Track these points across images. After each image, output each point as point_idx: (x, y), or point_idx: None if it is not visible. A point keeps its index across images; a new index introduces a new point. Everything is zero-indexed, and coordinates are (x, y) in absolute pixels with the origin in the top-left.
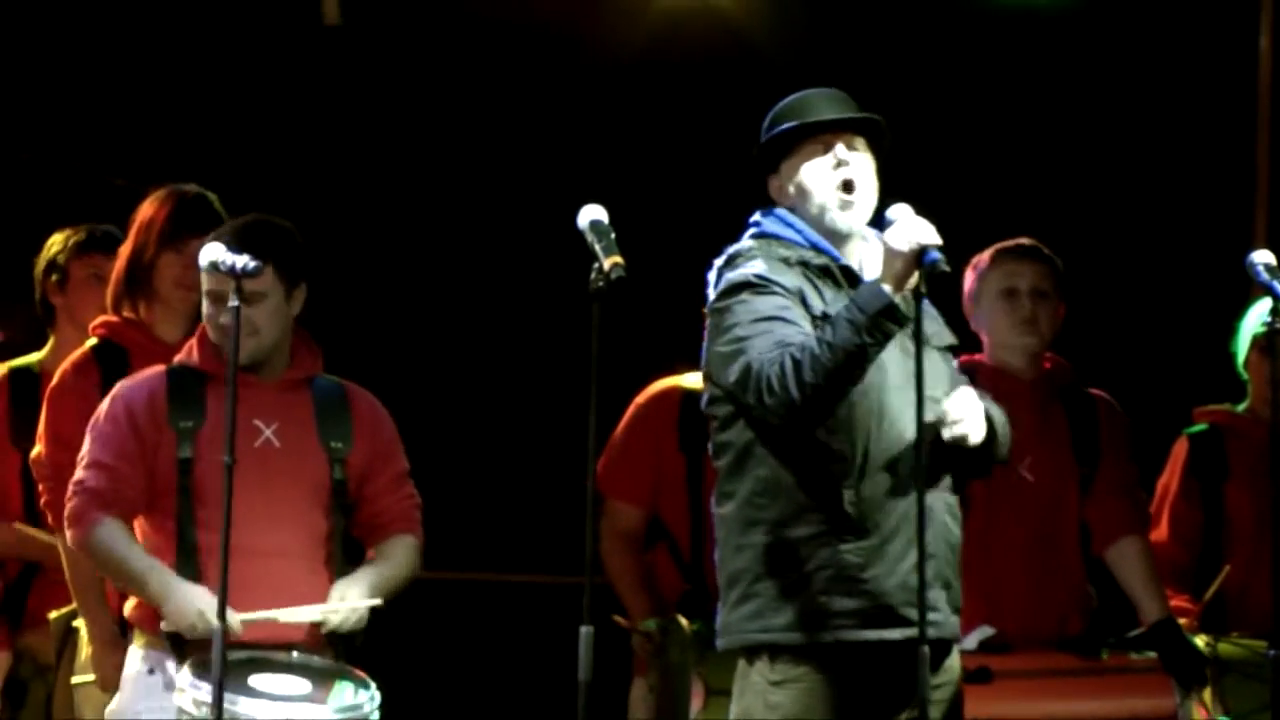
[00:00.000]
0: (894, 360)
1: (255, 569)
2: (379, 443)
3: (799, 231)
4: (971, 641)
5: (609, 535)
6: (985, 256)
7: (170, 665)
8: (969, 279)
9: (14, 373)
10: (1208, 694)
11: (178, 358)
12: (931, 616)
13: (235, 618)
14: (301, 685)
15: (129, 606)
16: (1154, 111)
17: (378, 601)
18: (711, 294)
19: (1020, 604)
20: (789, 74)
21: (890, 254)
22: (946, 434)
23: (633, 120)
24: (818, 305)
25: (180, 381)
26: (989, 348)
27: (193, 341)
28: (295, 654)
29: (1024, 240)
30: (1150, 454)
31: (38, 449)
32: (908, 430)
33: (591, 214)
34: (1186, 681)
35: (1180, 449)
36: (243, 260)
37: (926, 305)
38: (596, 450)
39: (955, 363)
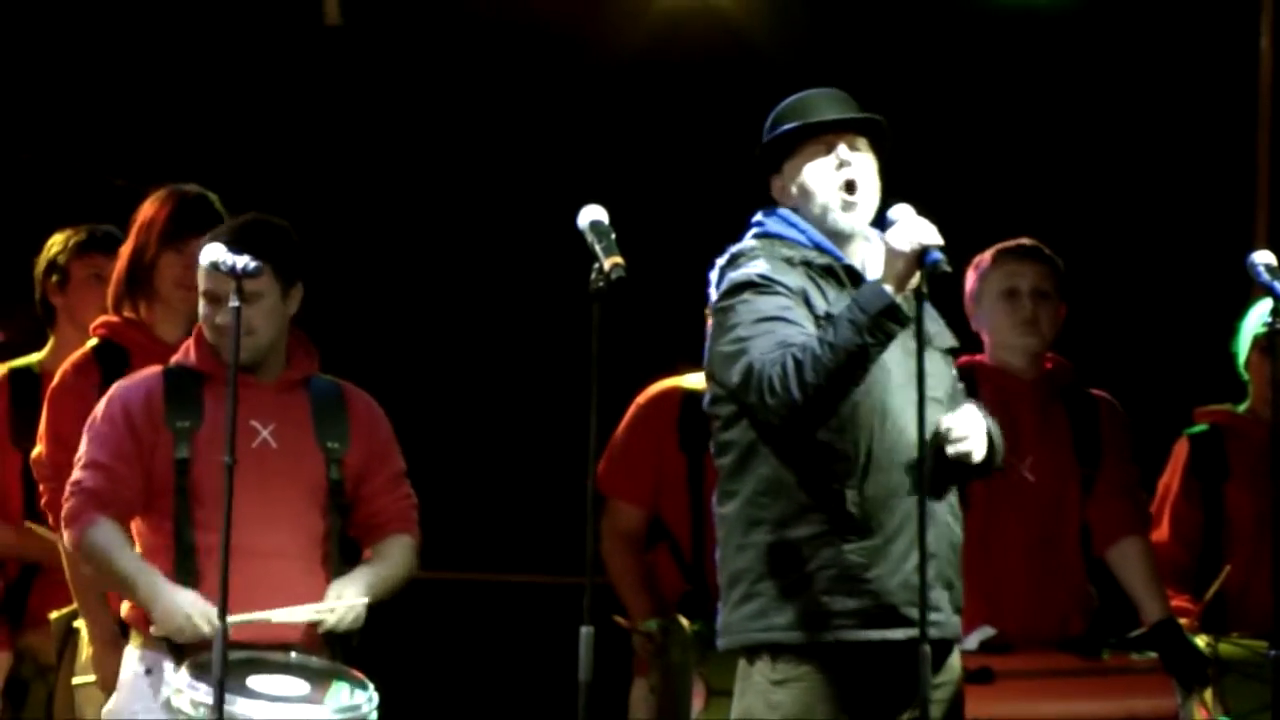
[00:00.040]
0: (897, 360)
1: (253, 570)
2: (375, 443)
3: (802, 231)
4: (973, 642)
5: (610, 535)
6: (986, 257)
7: (168, 665)
8: (970, 279)
9: (14, 373)
10: (1209, 694)
11: (174, 358)
12: (933, 617)
13: (235, 619)
14: (299, 686)
15: (125, 607)
16: (1154, 112)
17: (366, 600)
18: (714, 293)
19: (1021, 604)
20: (789, 74)
21: (892, 254)
22: (950, 450)
23: (633, 120)
24: (821, 305)
25: (177, 382)
26: (990, 348)
27: (189, 342)
28: (293, 654)
29: (1025, 240)
30: (1151, 454)
31: (38, 449)
32: (910, 430)
33: (592, 214)
34: (1188, 682)
35: (1181, 449)
36: (243, 260)
37: (928, 307)
38: (597, 450)
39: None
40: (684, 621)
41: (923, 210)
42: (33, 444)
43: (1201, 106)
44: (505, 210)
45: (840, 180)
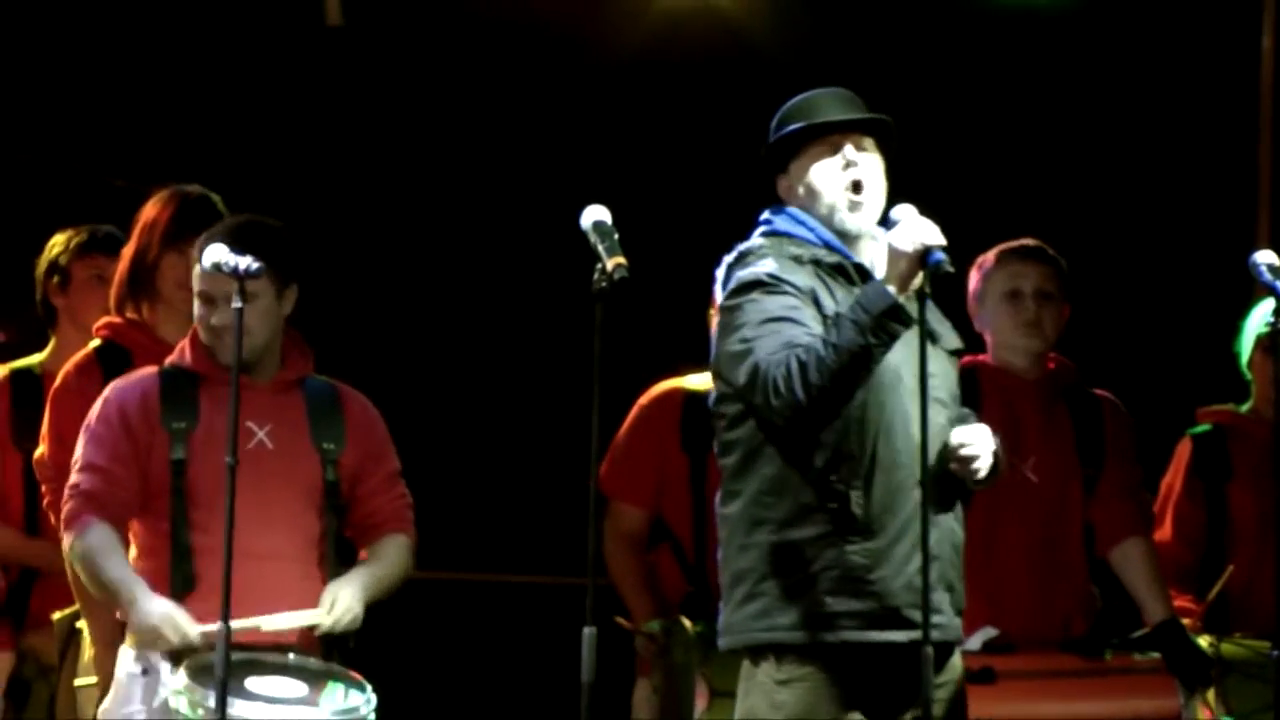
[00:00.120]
0: (903, 361)
1: (249, 571)
2: (371, 443)
3: (811, 229)
4: (975, 642)
5: (612, 536)
6: (990, 257)
7: (164, 666)
8: (973, 279)
9: (15, 374)
10: (1211, 695)
11: (169, 359)
12: (934, 619)
13: (209, 628)
14: (297, 688)
15: None
16: (1156, 112)
17: (362, 602)
18: (721, 291)
19: (1024, 604)
20: (790, 74)
21: (894, 254)
22: (955, 467)
23: (634, 120)
24: (830, 305)
25: (173, 382)
26: (993, 348)
27: (185, 342)
28: (291, 656)
29: (1028, 241)
30: (1154, 454)
31: (40, 450)
32: (915, 432)
33: (595, 214)
34: (1190, 682)
35: (1184, 449)
36: (245, 261)
37: (932, 308)
38: (599, 451)
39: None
40: (686, 622)
41: (925, 210)
42: (34, 445)
43: (1203, 106)
44: (507, 210)
45: (847, 180)
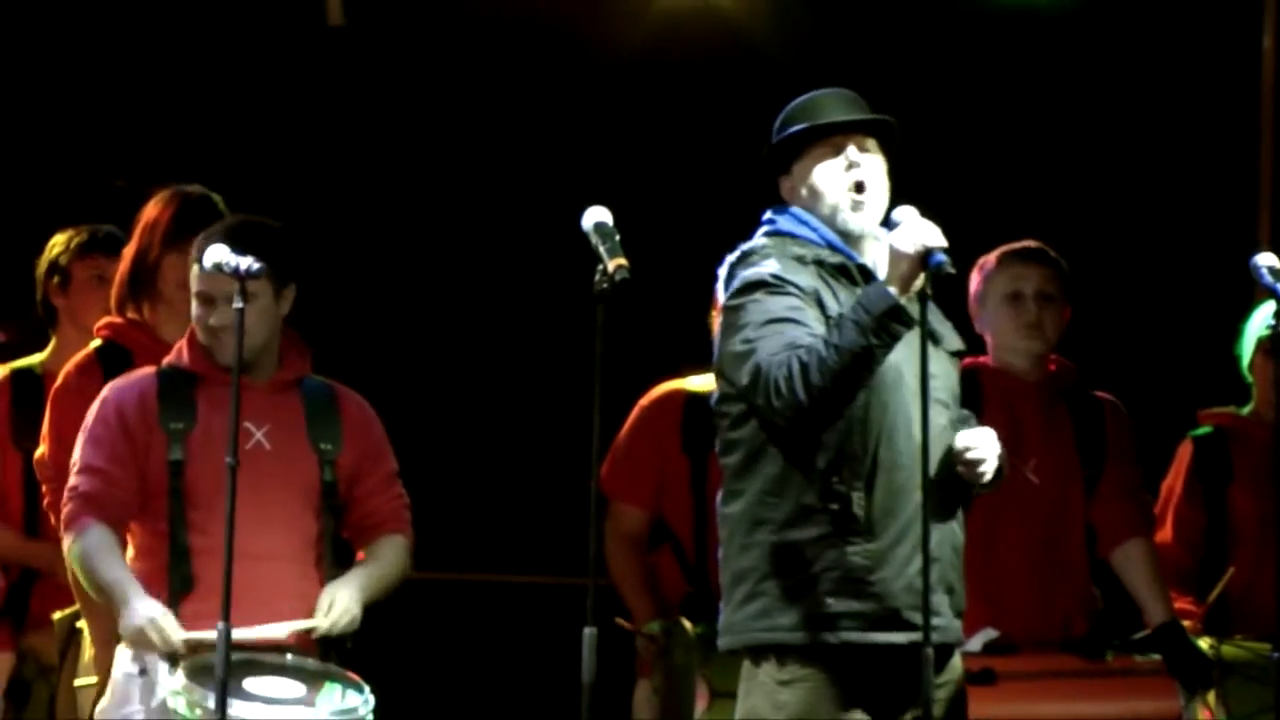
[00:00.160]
0: (905, 362)
1: (247, 572)
2: (368, 444)
3: (814, 230)
4: (976, 643)
5: (613, 537)
6: (991, 259)
7: (162, 666)
8: (974, 281)
9: (15, 374)
10: (1212, 696)
11: (167, 359)
12: (934, 621)
13: (193, 635)
14: (295, 688)
15: None
16: (1157, 113)
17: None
18: (723, 290)
19: (1025, 606)
20: (790, 74)
21: (895, 256)
22: (962, 470)
23: (635, 121)
24: (833, 306)
25: (170, 383)
26: (993, 350)
27: (182, 343)
28: (289, 657)
29: (1029, 243)
30: (1155, 456)
31: (41, 450)
32: (917, 433)
33: (596, 215)
34: (1191, 684)
35: (1185, 451)
36: (247, 262)
37: (933, 309)
38: (600, 452)
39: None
40: (686, 623)
41: (926, 211)
42: (34, 445)
43: (1204, 107)
44: (508, 211)
45: (850, 181)
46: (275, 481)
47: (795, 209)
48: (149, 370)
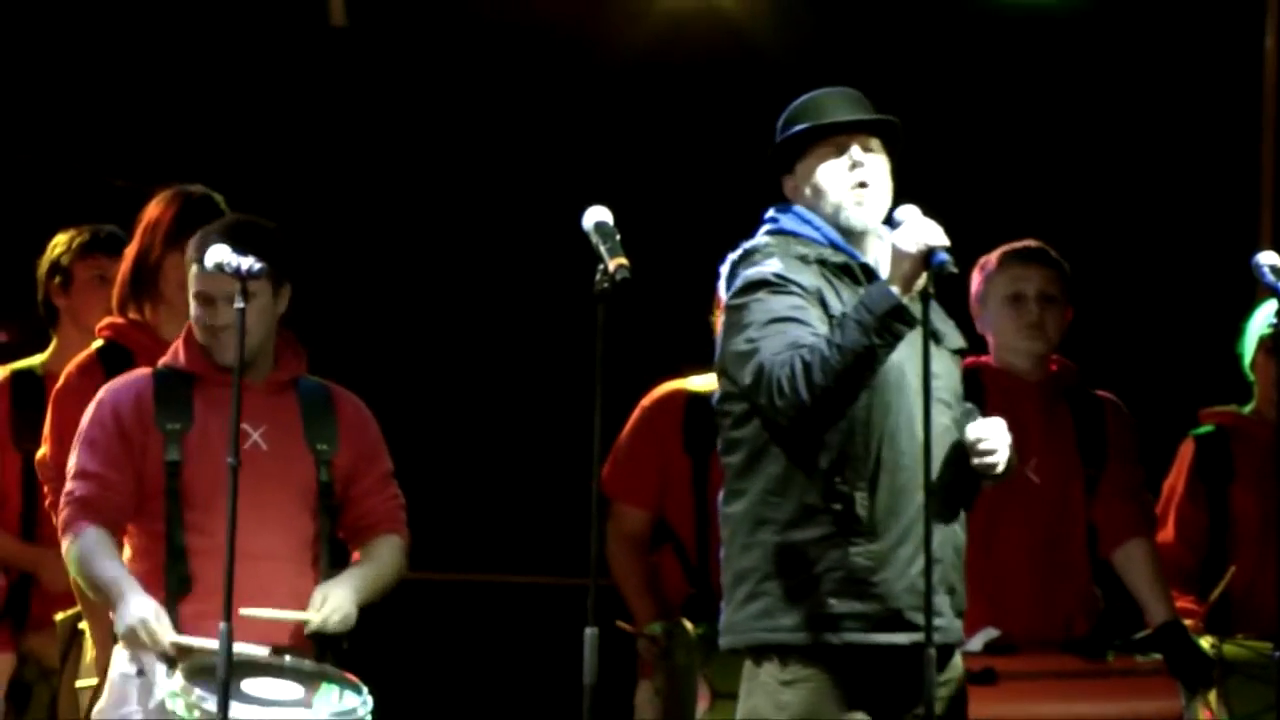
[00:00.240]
0: (908, 362)
1: (244, 572)
2: (364, 444)
3: (817, 229)
4: (977, 643)
5: (614, 538)
6: (992, 259)
7: (160, 668)
8: (976, 280)
9: (16, 375)
10: (1213, 696)
11: (163, 360)
12: (935, 621)
13: (183, 639)
14: (293, 689)
15: None
16: (1159, 113)
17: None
18: (726, 289)
19: (1026, 605)
20: (792, 75)
21: (898, 255)
22: (976, 461)
23: (636, 121)
24: (836, 305)
25: (167, 383)
26: (995, 350)
27: (178, 343)
28: (287, 658)
29: (1031, 243)
30: (1156, 456)
31: (43, 450)
32: (920, 433)
33: (596, 215)
34: (1192, 684)
35: (1186, 451)
36: (248, 262)
37: (935, 308)
38: (602, 453)
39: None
40: (688, 624)
41: (929, 211)
42: (34, 446)
43: (1206, 108)
44: (509, 211)
45: (853, 181)
46: (272, 482)
47: (798, 208)
48: (145, 371)
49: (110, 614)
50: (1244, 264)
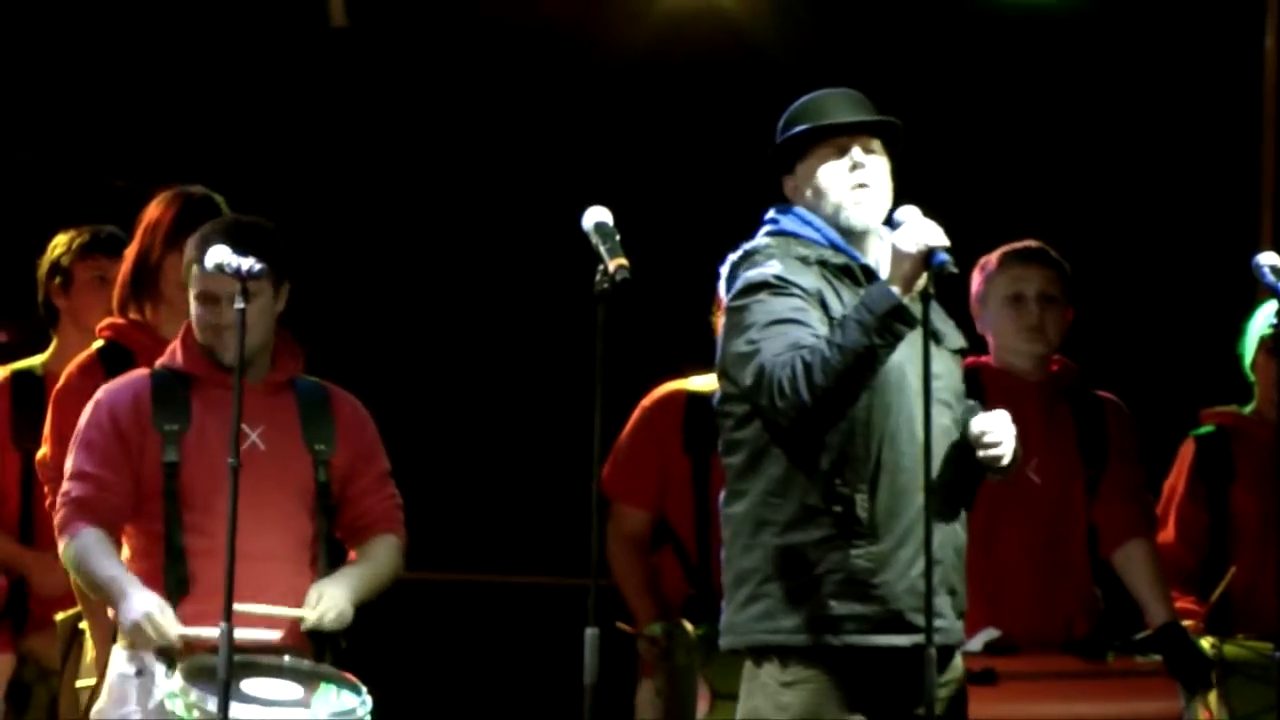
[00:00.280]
0: (909, 362)
1: (243, 572)
2: (361, 444)
3: (818, 230)
4: (977, 643)
5: (615, 539)
6: (993, 259)
7: (158, 668)
8: (976, 281)
9: (16, 375)
10: (1213, 697)
11: (160, 360)
12: (936, 622)
13: (189, 631)
14: (292, 690)
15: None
16: (1159, 113)
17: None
18: (726, 290)
19: (1026, 606)
20: (793, 75)
21: (898, 255)
22: (982, 454)
23: (637, 121)
24: (836, 306)
25: (165, 384)
26: (995, 350)
27: (176, 344)
28: (286, 658)
29: (1031, 243)
30: (1157, 456)
31: (43, 450)
32: (920, 434)
33: (596, 216)
34: (1192, 685)
35: (1187, 451)
36: (249, 262)
37: (936, 308)
38: (602, 453)
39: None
40: (688, 625)
41: (929, 211)
42: (34, 446)
43: (1206, 108)
44: (510, 211)
45: (853, 182)
46: (271, 482)
47: (799, 209)
48: (142, 372)
49: (111, 612)
50: (1244, 264)
